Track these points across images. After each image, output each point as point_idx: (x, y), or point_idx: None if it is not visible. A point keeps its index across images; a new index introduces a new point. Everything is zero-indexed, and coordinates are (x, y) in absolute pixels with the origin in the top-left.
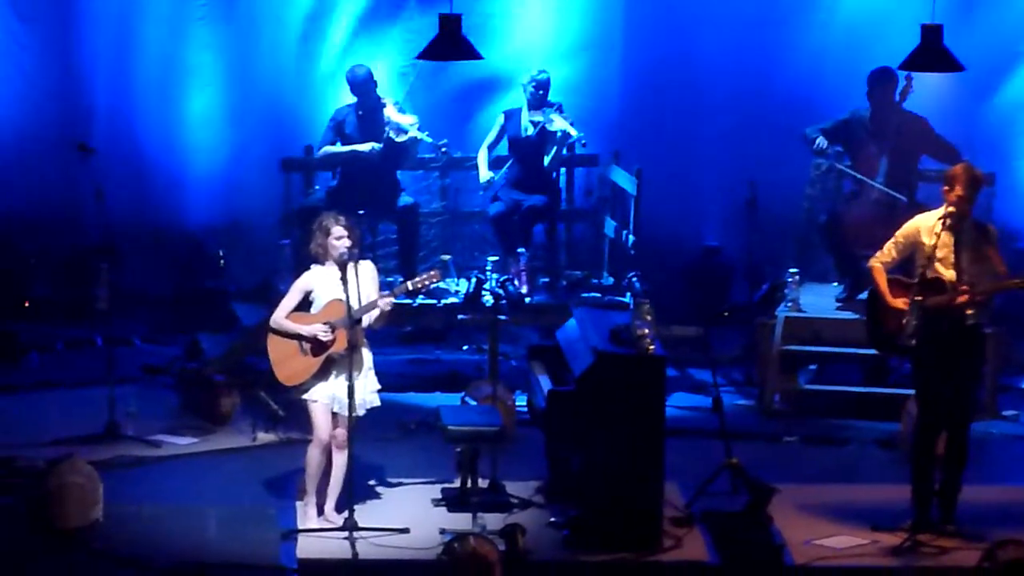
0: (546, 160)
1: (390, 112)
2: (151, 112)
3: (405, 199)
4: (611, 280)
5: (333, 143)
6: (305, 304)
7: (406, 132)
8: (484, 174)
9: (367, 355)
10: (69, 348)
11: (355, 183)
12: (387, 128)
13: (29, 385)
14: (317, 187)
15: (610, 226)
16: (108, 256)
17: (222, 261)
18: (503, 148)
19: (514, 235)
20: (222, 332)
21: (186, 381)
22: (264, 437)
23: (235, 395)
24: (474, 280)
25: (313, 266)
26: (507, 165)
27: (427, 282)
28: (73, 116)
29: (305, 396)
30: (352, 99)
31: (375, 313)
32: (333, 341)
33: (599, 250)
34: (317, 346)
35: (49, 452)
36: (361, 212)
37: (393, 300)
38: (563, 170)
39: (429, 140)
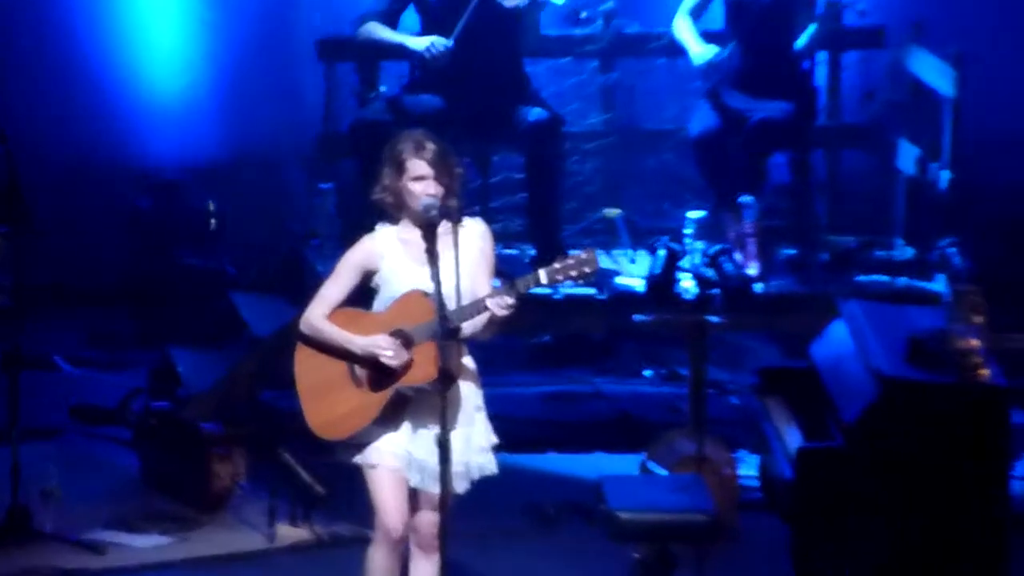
0: (797, 41)
1: None
2: None
3: (537, 111)
4: (910, 251)
5: (391, 12)
6: (363, 294)
7: None
8: (699, 48)
9: (472, 389)
10: None
11: (455, 83)
12: None
13: None
14: (383, 88)
15: (908, 155)
16: (13, 216)
17: (214, 221)
18: (714, 18)
19: (735, 172)
20: (214, 346)
21: (151, 434)
22: (289, 533)
23: (238, 459)
24: (663, 253)
25: (379, 227)
26: (726, 49)
27: (577, 268)
28: None
29: (360, 459)
30: None
31: (485, 317)
32: (410, 363)
33: (888, 198)
34: (380, 371)
35: None
36: (461, 132)
37: (517, 296)
38: (823, 56)
39: (561, 1)
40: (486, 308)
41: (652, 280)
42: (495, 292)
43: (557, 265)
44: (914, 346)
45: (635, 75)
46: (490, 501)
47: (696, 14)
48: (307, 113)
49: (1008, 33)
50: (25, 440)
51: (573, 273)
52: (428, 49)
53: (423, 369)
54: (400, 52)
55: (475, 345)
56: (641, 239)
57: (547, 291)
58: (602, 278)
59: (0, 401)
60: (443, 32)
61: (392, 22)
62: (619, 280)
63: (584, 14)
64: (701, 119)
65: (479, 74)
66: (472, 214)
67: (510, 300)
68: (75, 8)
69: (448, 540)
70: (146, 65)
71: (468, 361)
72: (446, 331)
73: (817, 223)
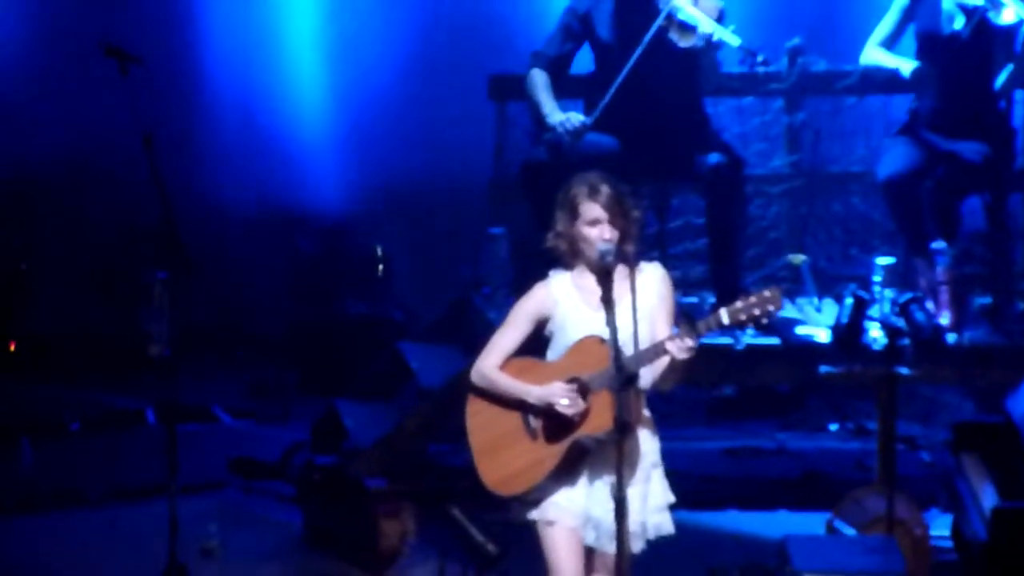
0: (997, 79)
1: None
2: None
3: (716, 154)
4: None
5: (563, 56)
6: (537, 343)
7: (694, 28)
8: (906, 64)
9: (650, 442)
10: (93, 429)
11: (632, 125)
12: (665, 21)
13: (15, 502)
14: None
15: None
16: (168, 258)
17: (382, 267)
18: (906, 50)
19: (927, 216)
20: (381, 398)
21: (314, 490)
22: None
23: (406, 516)
24: (850, 301)
25: (552, 274)
26: (925, 68)
27: (760, 307)
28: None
29: (536, 515)
30: None
31: (664, 363)
32: (586, 414)
33: None
34: (555, 423)
35: None
36: (637, 175)
37: (698, 338)
38: (1021, 95)
39: (738, 42)
40: (665, 351)
41: (839, 330)
42: (674, 335)
43: (739, 304)
44: None
45: (822, 115)
46: (667, 562)
47: (886, 46)
48: (477, 153)
49: None
50: (183, 495)
51: (756, 312)
52: (563, 123)
53: (600, 418)
54: (536, 111)
55: (653, 398)
56: (827, 286)
57: (728, 341)
58: (786, 328)
59: (158, 454)
60: (618, 69)
61: (563, 66)
62: (804, 330)
63: (761, 57)
64: (892, 160)
65: (655, 115)
66: (650, 259)
67: (690, 342)
68: (231, 52)
69: None
70: (307, 104)
71: (648, 413)
72: (623, 378)
73: (1014, 270)
